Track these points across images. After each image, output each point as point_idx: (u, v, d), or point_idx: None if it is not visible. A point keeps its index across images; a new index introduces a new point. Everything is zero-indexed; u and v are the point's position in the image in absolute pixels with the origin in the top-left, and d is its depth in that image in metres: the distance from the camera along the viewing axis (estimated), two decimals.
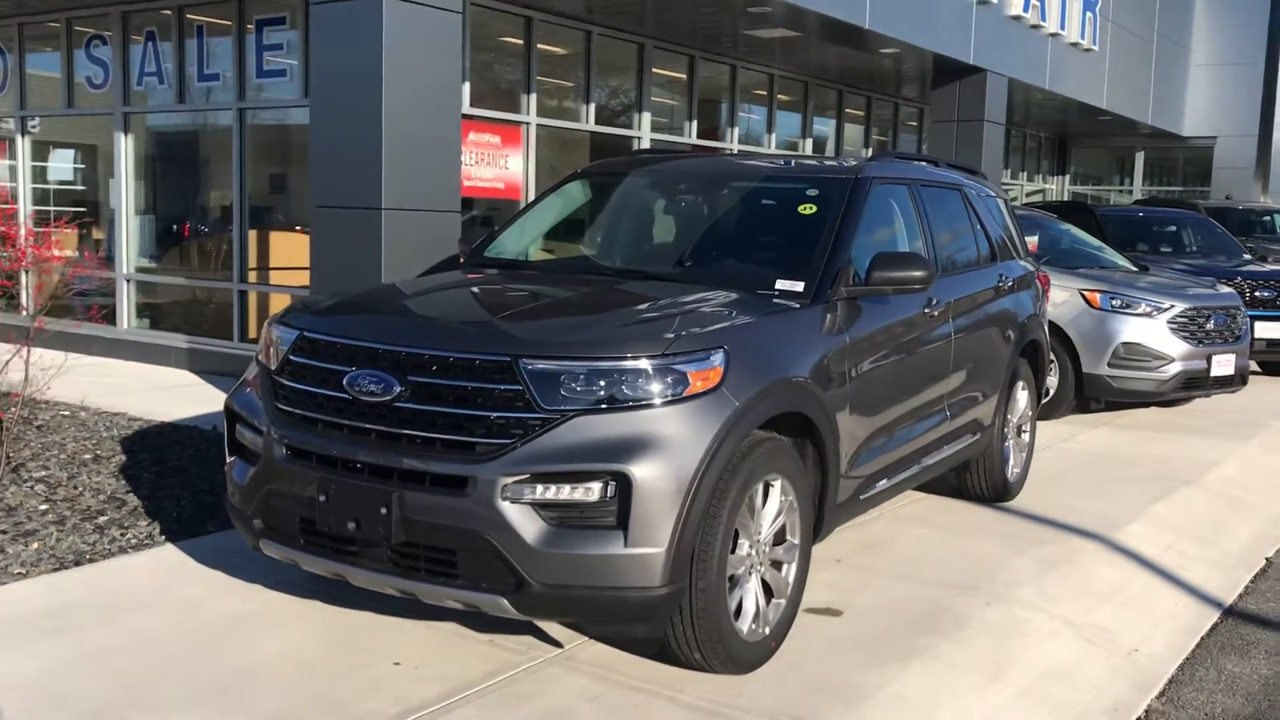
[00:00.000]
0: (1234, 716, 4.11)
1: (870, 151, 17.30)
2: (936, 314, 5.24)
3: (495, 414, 3.54)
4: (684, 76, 13.16)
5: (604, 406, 3.52)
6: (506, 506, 3.46)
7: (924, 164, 6.03)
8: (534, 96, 10.94)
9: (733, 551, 3.75)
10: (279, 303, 9.91)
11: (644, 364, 3.57)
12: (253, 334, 10.01)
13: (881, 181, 5.13)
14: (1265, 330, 11.37)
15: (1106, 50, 17.85)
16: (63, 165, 12.42)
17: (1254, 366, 10.78)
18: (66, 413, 7.49)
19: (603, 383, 3.54)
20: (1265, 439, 8.72)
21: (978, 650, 4.25)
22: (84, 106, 11.30)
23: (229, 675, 3.72)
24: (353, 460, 3.69)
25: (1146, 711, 4.11)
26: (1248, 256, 13.12)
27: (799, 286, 4.41)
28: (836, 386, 4.31)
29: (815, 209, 4.85)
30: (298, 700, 3.56)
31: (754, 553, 3.88)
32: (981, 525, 5.87)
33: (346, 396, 3.74)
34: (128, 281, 10.90)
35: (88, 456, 6.37)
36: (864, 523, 5.65)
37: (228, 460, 4.22)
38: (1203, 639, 4.85)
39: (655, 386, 3.56)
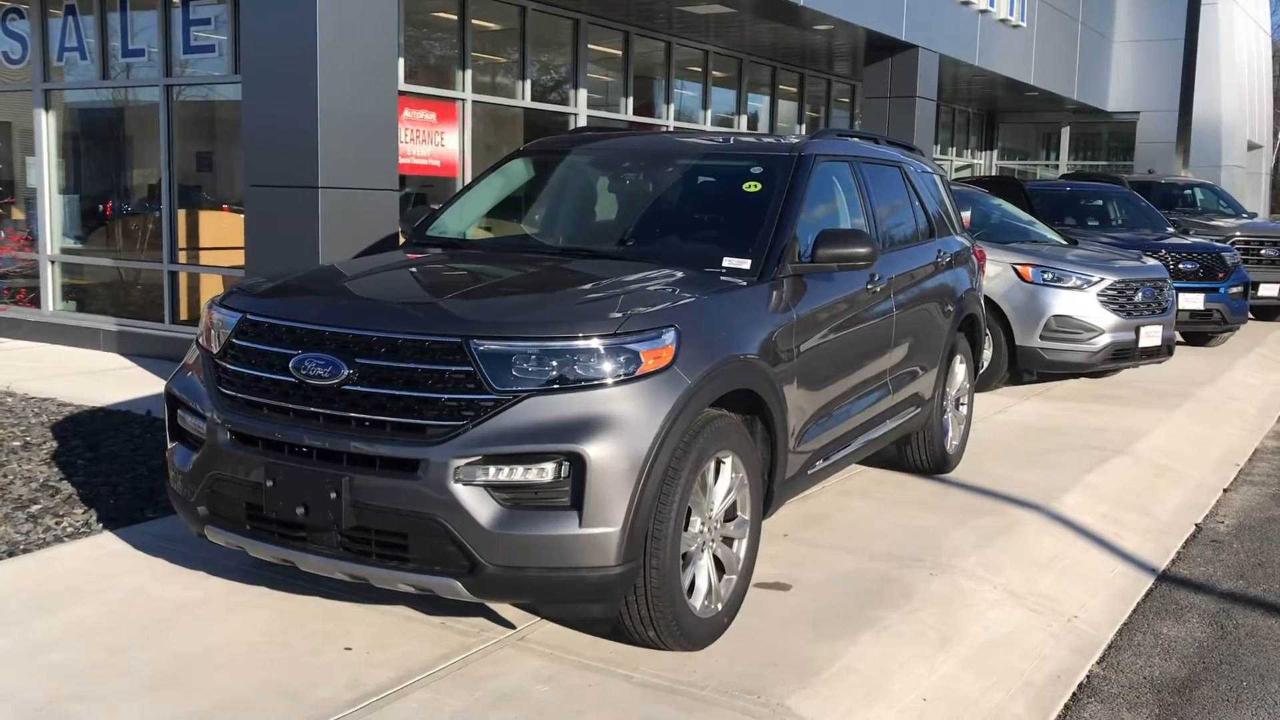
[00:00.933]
0: (1171, 679, 4.24)
1: (803, 128, 17.39)
2: (879, 290, 5.29)
3: (446, 396, 3.50)
4: (619, 53, 13.10)
5: (556, 387, 3.50)
6: (459, 489, 3.43)
7: (865, 141, 6.07)
8: (469, 73, 10.82)
9: (685, 529, 3.76)
10: (210, 284, 9.72)
11: (596, 343, 3.56)
12: (184, 316, 9.80)
13: (825, 159, 5.15)
14: (1189, 302, 11.67)
15: (1034, 27, 18.11)
16: None
17: (1178, 337, 11.05)
18: None
19: (555, 363, 3.52)
20: (1191, 408, 8.96)
21: (924, 621, 4.32)
22: (1, 83, 10.93)
23: (175, 665, 3.65)
24: (300, 445, 3.63)
25: (1088, 677, 4.22)
26: (1171, 230, 13.42)
27: (746, 264, 4.42)
28: (784, 363, 4.33)
29: (760, 186, 4.86)
30: (247, 689, 3.51)
31: (706, 530, 3.90)
32: (922, 497, 5.96)
33: (293, 380, 3.68)
34: (52, 263, 10.60)
35: (17, 444, 6.20)
36: (808, 496, 5.71)
37: (169, 446, 4.13)
38: (1139, 605, 4.99)
39: (608, 366, 3.55)
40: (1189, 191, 17.98)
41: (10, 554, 4.61)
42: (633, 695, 3.56)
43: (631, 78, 13.22)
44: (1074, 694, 4.07)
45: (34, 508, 5.16)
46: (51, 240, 10.61)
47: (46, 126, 10.50)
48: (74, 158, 10.83)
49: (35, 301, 10.51)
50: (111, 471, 5.72)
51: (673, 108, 14.12)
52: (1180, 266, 11.80)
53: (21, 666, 3.62)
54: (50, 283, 10.59)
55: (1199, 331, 12.36)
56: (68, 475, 5.66)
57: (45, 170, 10.53)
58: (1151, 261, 10.04)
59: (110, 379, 8.37)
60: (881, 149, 6.12)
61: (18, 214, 11.32)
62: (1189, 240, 12.87)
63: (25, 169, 11.09)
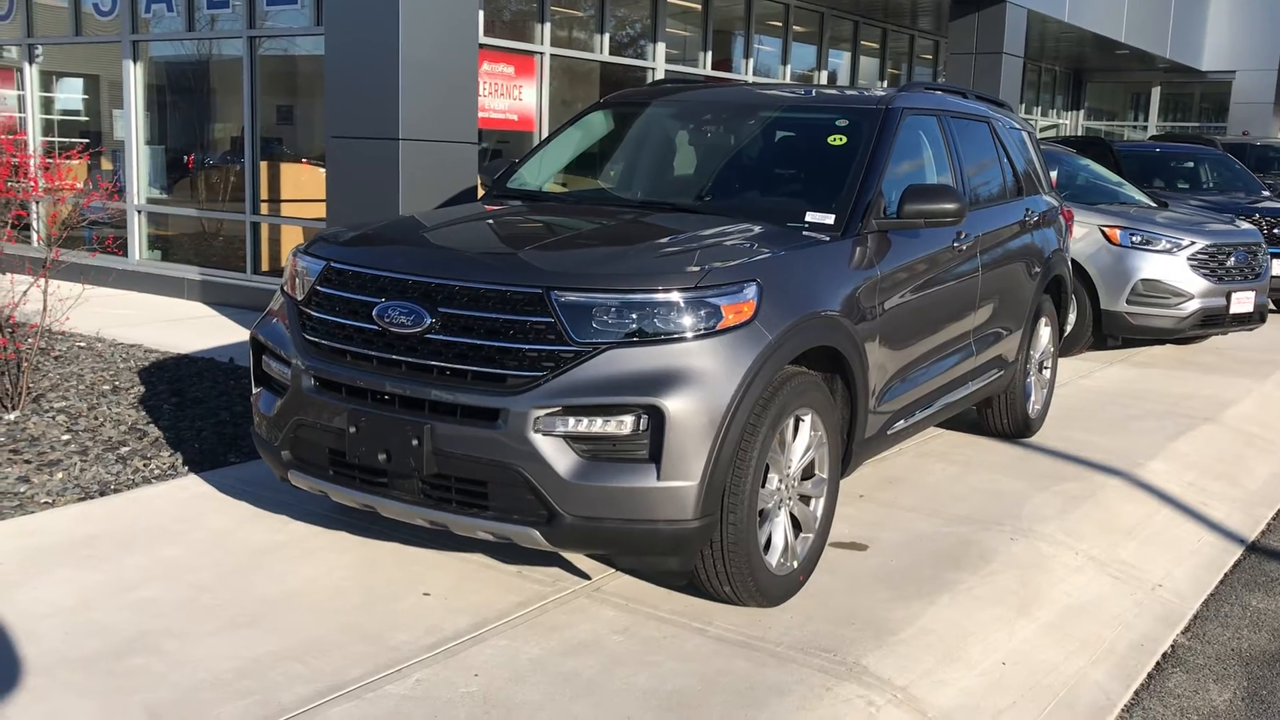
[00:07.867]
0: (1260, 652, 4.13)
1: (885, 85, 17.07)
2: (965, 248, 5.18)
3: (527, 346, 3.50)
4: (698, 6, 12.94)
5: (636, 339, 3.48)
6: (538, 439, 3.44)
7: (952, 95, 5.92)
8: (548, 26, 10.76)
9: (763, 486, 3.74)
10: (291, 235, 9.84)
11: (677, 296, 3.53)
12: (265, 267, 9.95)
13: (912, 112, 5.04)
14: None
15: None
16: (69, 95, 12.27)
17: (1271, 304, 10.70)
18: (83, 344, 7.47)
19: (635, 315, 3.50)
20: None
21: (1003, 585, 4.26)
22: (92, 35, 11.13)
23: (260, 605, 3.73)
24: (383, 392, 3.67)
25: (1173, 646, 4.13)
26: (1266, 193, 12.97)
27: (829, 219, 4.35)
28: (866, 320, 4.27)
29: (845, 140, 4.77)
30: (329, 630, 3.57)
31: (783, 487, 3.87)
32: (1003, 461, 5.86)
33: (376, 328, 3.71)
34: (139, 213, 10.82)
35: (106, 387, 6.36)
36: (886, 458, 5.64)
37: (254, 391, 4.20)
38: (1226, 575, 4.86)
39: (688, 319, 3.52)
40: None
41: (102, 493, 4.74)
42: (708, 649, 3.56)
43: (710, 32, 13.06)
44: (1158, 663, 3.99)
45: (123, 449, 5.29)
46: (138, 190, 10.82)
47: (134, 79, 10.67)
48: (160, 110, 11.00)
49: (123, 250, 10.75)
50: (196, 416, 5.85)
51: (751, 63, 13.92)
52: (1275, 231, 11.40)
53: (115, 601, 3.72)
54: (137, 232, 10.82)
55: None
56: (154, 419, 5.79)
57: (132, 122, 10.72)
58: (1245, 225, 9.71)
59: (193, 327, 8.54)
60: (969, 103, 5.97)
61: (106, 164, 11.56)
62: None
63: (113, 120, 11.31)
